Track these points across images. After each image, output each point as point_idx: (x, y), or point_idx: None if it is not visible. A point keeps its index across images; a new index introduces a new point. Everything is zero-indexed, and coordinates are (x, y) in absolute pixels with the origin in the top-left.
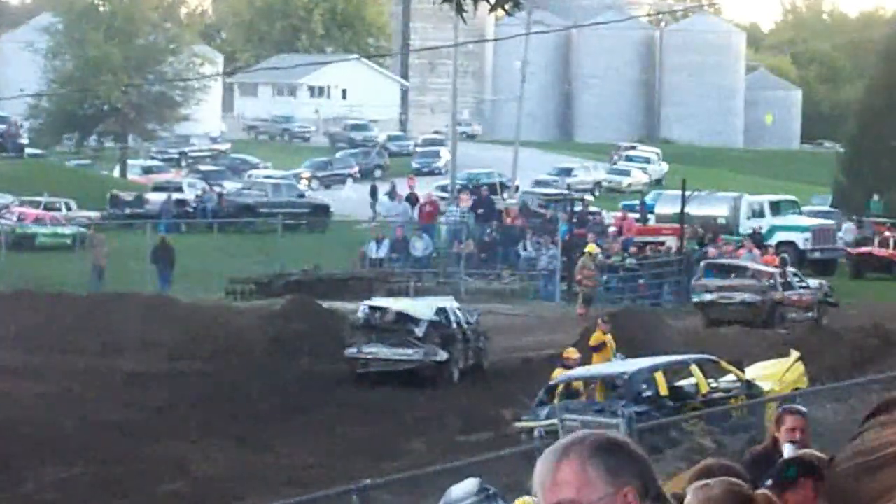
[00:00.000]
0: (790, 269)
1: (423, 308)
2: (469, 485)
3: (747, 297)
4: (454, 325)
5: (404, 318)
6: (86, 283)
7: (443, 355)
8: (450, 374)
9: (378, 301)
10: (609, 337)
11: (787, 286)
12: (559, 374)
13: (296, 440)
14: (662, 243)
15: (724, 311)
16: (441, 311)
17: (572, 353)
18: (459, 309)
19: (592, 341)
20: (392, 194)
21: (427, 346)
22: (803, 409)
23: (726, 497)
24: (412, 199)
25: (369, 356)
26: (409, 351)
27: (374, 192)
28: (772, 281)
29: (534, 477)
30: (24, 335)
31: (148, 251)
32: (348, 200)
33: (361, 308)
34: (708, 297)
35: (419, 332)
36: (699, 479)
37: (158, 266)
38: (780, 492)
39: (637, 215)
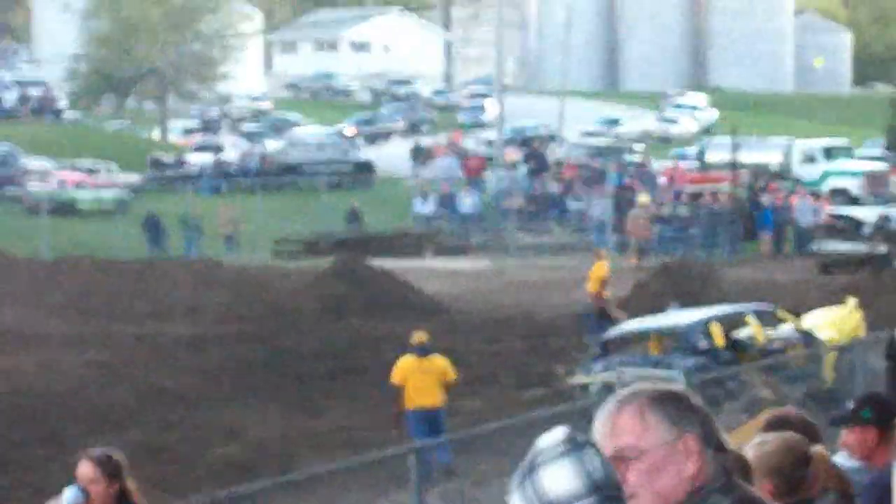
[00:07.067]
0: None
1: (868, 213)
2: (557, 434)
3: None
4: None
5: (855, 222)
6: (132, 248)
7: (882, 249)
8: (890, 263)
9: (836, 209)
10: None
11: None
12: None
13: (349, 402)
14: (717, 193)
15: None
16: (886, 218)
17: (421, 337)
18: None
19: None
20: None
21: (871, 242)
22: None
23: (783, 453)
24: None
25: (829, 250)
26: (858, 245)
27: (418, 153)
28: None
29: (594, 427)
30: (70, 302)
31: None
32: (393, 157)
33: (824, 213)
34: None
35: (865, 231)
36: (769, 428)
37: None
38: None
39: (690, 164)
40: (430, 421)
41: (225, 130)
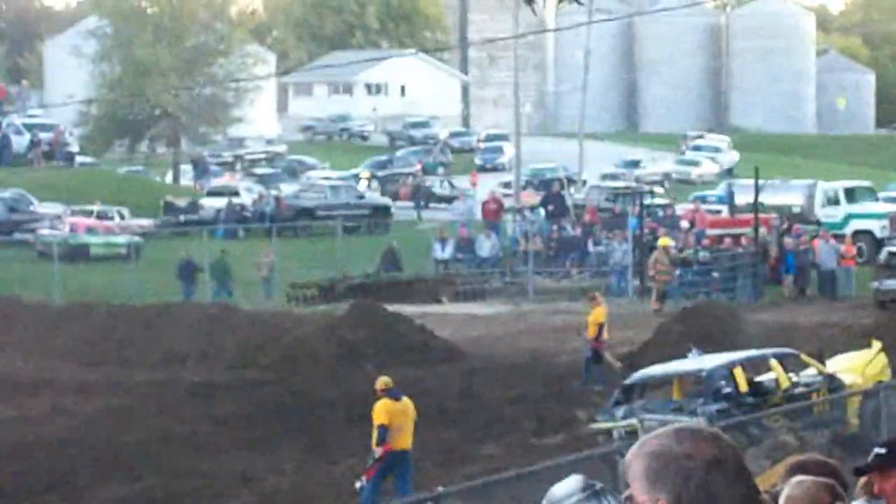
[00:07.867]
0: None
1: None
2: (572, 482)
3: None
4: None
5: None
6: (144, 293)
7: None
8: None
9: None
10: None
11: None
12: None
13: (365, 449)
14: (741, 236)
15: None
16: None
17: (388, 382)
18: None
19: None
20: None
21: None
22: None
23: (803, 499)
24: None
25: (885, 288)
26: None
27: (419, 195)
28: None
29: None
30: (82, 348)
31: (206, 259)
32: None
33: (884, 252)
34: None
35: None
36: (791, 475)
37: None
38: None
39: (714, 207)
40: (402, 463)
41: (239, 174)
